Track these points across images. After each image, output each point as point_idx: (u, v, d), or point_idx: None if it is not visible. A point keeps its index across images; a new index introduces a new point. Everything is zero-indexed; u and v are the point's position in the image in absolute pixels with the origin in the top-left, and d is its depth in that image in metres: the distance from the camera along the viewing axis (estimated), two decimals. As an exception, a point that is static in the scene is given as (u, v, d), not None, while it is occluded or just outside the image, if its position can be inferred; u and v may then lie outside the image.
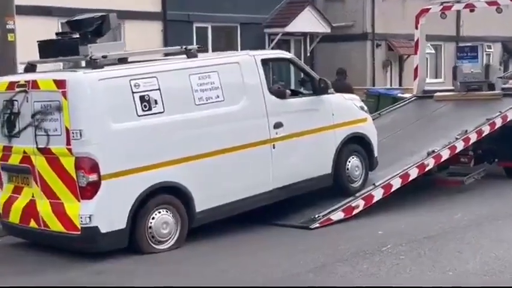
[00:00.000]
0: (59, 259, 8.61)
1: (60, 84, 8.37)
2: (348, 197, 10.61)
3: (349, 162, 10.90)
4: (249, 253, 8.82)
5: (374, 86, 25.33)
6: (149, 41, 20.13)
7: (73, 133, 8.23)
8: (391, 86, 26.16)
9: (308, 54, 25.23)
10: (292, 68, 11.37)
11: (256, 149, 9.72)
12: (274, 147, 9.90)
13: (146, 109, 8.67)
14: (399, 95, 18.23)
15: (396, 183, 11.13)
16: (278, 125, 9.96)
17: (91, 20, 9.08)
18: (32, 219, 8.83)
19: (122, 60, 9.26)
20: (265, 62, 10.39)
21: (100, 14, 9.20)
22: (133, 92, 8.59)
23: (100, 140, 8.31)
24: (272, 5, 24.25)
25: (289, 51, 25.20)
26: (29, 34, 18.47)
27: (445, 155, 11.93)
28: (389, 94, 18.97)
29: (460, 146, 12.11)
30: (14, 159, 9.01)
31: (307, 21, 24.16)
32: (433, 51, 29.38)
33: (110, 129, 8.39)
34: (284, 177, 10.03)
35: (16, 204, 9.06)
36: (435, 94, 14.72)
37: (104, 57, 8.62)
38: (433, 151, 11.77)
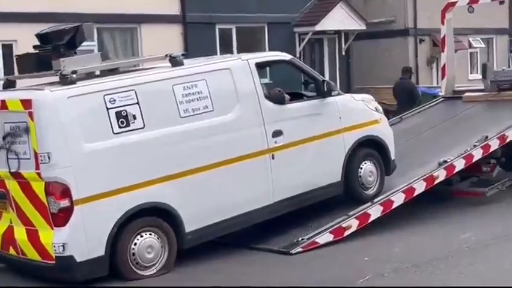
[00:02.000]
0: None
1: (26, 104, 8.16)
2: (341, 216, 10.01)
3: (362, 167, 10.49)
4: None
5: (418, 84, 24.51)
6: (168, 46, 19.91)
7: (41, 156, 8.01)
8: (437, 84, 25.21)
9: (343, 53, 24.82)
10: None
11: (252, 161, 9.37)
12: (273, 158, 9.54)
13: (124, 125, 8.40)
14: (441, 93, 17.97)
15: (398, 199, 10.52)
16: (277, 134, 9.62)
17: (61, 32, 8.88)
18: (11, 247, 8.67)
19: (103, 73, 9.01)
20: (260, 65, 9.99)
21: (72, 25, 8.98)
22: (107, 108, 8.33)
23: (71, 162, 8.05)
24: (302, 3, 23.94)
25: (323, 50, 24.94)
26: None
27: (459, 165, 11.24)
28: (430, 93, 18.44)
29: (477, 154, 11.41)
30: None
31: (339, 19, 23.79)
32: (484, 45, 28.76)
33: (82, 150, 8.13)
34: (286, 189, 9.68)
35: None
36: (464, 95, 14.11)
37: (74, 72, 8.34)
38: (445, 161, 11.14)
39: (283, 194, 9.67)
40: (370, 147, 10.67)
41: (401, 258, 8.96)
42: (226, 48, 21.43)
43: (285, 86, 11.25)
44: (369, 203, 10.28)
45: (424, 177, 10.86)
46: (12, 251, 8.65)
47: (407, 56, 26.54)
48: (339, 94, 10.54)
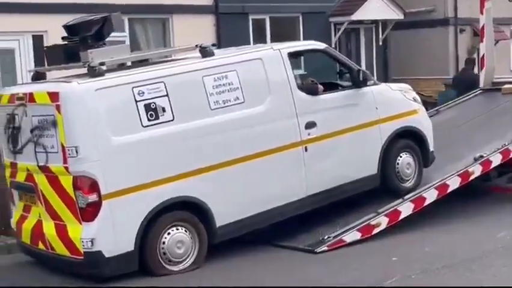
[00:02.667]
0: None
1: (53, 97, 8.14)
2: (370, 214, 9.81)
3: (399, 159, 10.35)
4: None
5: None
6: (201, 37, 19.77)
7: (68, 150, 8.00)
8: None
9: (380, 43, 24.40)
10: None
11: (285, 153, 9.30)
12: (306, 150, 9.46)
13: (153, 118, 8.36)
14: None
15: (431, 196, 10.29)
16: (310, 125, 9.52)
17: (89, 23, 8.87)
18: (40, 241, 8.72)
19: (134, 65, 8.99)
20: (293, 55, 9.88)
21: (100, 15, 8.97)
22: (136, 101, 8.29)
23: (99, 156, 8.04)
24: (338, -8, 23.84)
25: (359, 41, 24.55)
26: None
27: (496, 160, 10.97)
28: None
29: None
30: (20, 177, 8.94)
31: (376, 8, 23.33)
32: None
33: (110, 143, 8.10)
34: (320, 183, 9.60)
35: (26, 224, 8.99)
36: (503, 87, 13.76)
37: (102, 64, 8.31)
38: (481, 156, 10.89)
39: (317, 188, 9.58)
40: (408, 138, 10.51)
41: (431, 258, 8.78)
42: (260, 39, 21.19)
43: (320, 76, 11.14)
44: (400, 200, 10.11)
45: (459, 172, 10.66)
46: (41, 245, 8.69)
47: (447, 46, 26.03)
48: (375, 84, 10.41)
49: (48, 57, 9.27)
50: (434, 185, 10.40)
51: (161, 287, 8.12)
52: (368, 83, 10.17)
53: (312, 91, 9.78)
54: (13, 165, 9.01)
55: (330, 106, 9.81)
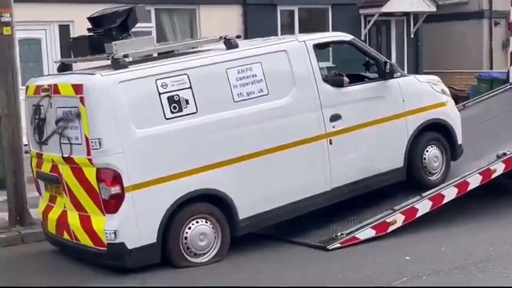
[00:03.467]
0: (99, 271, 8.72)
1: (77, 89, 8.33)
2: (386, 211, 9.78)
3: (426, 152, 10.40)
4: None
5: (492, 69, 24.20)
6: (228, 27, 19.96)
7: (92, 142, 8.18)
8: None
9: (412, 36, 24.41)
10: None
11: (309, 146, 9.40)
12: (331, 143, 9.55)
13: (176, 111, 8.51)
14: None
15: (450, 194, 10.22)
16: (335, 118, 9.61)
17: (114, 15, 9.05)
18: (65, 231, 8.95)
19: (160, 56, 9.16)
20: (319, 47, 9.96)
21: (124, 7, 9.15)
22: (159, 93, 8.44)
23: (122, 148, 8.20)
24: (368, -17, 23.75)
25: (390, 33, 24.57)
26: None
27: None
28: (503, 78, 18.03)
29: None
30: (45, 168, 9.16)
31: (407, 0, 23.36)
32: None
33: (133, 136, 8.27)
34: (345, 175, 9.70)
35: (51, 214, 9.23)
36: None
37: (125, 56, 8.47)
38: (504, 154, 10.76)
39: (342, 180, 9.69)
40: (435, 131, 10.55)
41: (445, 258, 8.73)
42: (288, 31, 21.34)
43: (348, 68, 11.22)
44: (417, 197, 10.08)
45: (480, 170, 10.57)
46: (66, 235, 8.92)
47: (481, 39, 25.98)
48: (402, 76, 10.43)
49: (74, 48, 9.49)
50: (453, 182, 10.35)
51: (154, 287, 8.21)
52: (395, 75, 10.20)
53: (337, 83, 9.86)
54: (39, 156, 9.24)
55: (355, 98, 9.89)
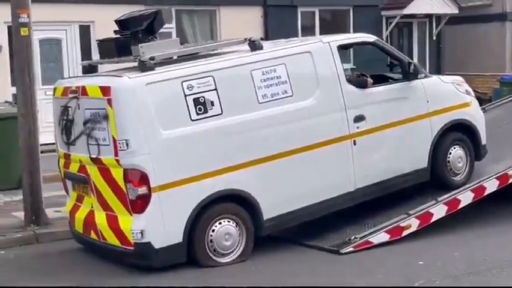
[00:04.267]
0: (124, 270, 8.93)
1: (105, 91, 8.55)
2: (400, 215, 9.83)
3: (450, 153, 10.55)
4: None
5: None
6: (248, 29, 20.19)
7: (119, 143, 8.40)
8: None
9: (434, 38, 24.52)
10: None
11: (333, 147, 9.57)
12: (355, 144, 9.72)
13: (202, 112, 8.71)
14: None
15: (466, 199, 10.21)
16: (359, 119, 9.77)
17: (140, 18, 9.26)
18: (92, 231, 9.18)
19: (181, 58, 9.30)
20: (343, 48, 10.12)
21: (150, 10, 9.38)
22: (185, 95, 8.65)
23: (149, 149, 8.41)
24: (390, -15, 23.81)
25: (412, 35, 24.74)
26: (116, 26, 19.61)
27: None
28: None
29: None
30: (73, 168, 9.40)
31: (430, 2, 23.55)
32: None
33: (160, 137, 8.48)
34: (369, 176, 9.86)
35: (79, 213, 9.47)
36: None
37: (152, 58, 8.67)
38: None
39: (366, 181, 9.85)
40: (460, 131, 10.69)
41: (459, 263, 8.77)
42: (308, 32, 21.49)
43: (369, 69, 11.37)
44: (432, 201, 10.10)
45: (497, 175, 10.56)
46: (93, 234, 9.15)
47: (504, 41, 25.95)
48: (426, 76, 10.56)
49: (100, 50, 9.69)
50: (470, 187, 10.37)
51: (155, 287, 8.37)
52: (419, 76, 10.36)
53: (361, 84, 10.02)
54: (66, 156, 9.49)
55: (379, 99, 10.05)
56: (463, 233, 10.04)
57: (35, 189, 10.94)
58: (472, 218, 10.45)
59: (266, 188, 9.09)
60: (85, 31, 20.06)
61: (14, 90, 14.63)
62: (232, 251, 8.97)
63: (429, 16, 24.59)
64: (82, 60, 20.07)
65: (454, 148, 10.65)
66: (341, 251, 9.26)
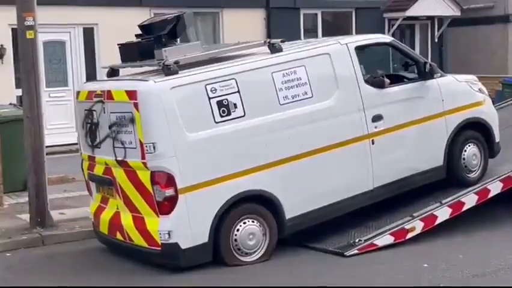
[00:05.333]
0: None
1: (131, 95, 8.68)
2: (404, 217, 9.96)
3: (465, 151, 10.73)
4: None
5: None
6: (251, 31, 20.50)
7: (146, 146, 8.55)
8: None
9: (436, 40, 24.77)
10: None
11: (352, 146, 9.75)
12: (373, 143, 9.89)
13: (225, 114, 8.87)
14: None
15: (470, 201, 10.27)
16: (377, 118, 9.95)
17: (163, 22, 9.42)
18: (117, 232, 9.32)
19: (199, 63, 9.40)
20: (360, 49, 10.24)
21: (173, 15, 9.52)
22: (209, 98, 8.80)
23: (175, 152, 8.57)
24: (393, -13, 23.83)
25: (414, 37, 25.01)
26: (123, 28, 19.84)
27: None
28: None
29: None
30: (98, 170, 9.52)
31: (432, 4, 23.82)
32: None
33: (185, 139, 8.63)
34: (387, 175, 10.02)
35: (104, 215, 9.60)
36: None
37: (176, 62, 8.83)
38: None
39: (384, 180, 10.01)
40: (474, 129, 10.87)
41: (464, 266, 8.79)
42: (311, 34, 21.77)
43: (375, 70, 11.68)
44: (437, 204, 10.15)
45: (501, 177, 10.62)
46: (119, 236, 9.29)
47: (506, 43, 26.17)
48: (441, 76, 10.75)
49: (122, 53, 9.82)
50: (474, 189, 10.42)
51: (153, 287, 8.60)
52: (435, 76, 10.56)
53: (378, 84, 10.21)
54: (91, 159, 9.61)
55: (396, 99, 10.22)
56: (466, 235, 10.11)
57: (40, 191, 10.98)
58: (476, 220, 10.51)
59: (288, 188, 9.25)
60: (88, 33, 20.32)
61: (18, 92, 14.89)
62: (256, 250, 9.14)
63: (431, 18, 24.83)
64: (86, 62, 20.46)
65: (469, 146, 10.83)
66: (345, 253, 9.33)
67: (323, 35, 21.90)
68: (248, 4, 21.65)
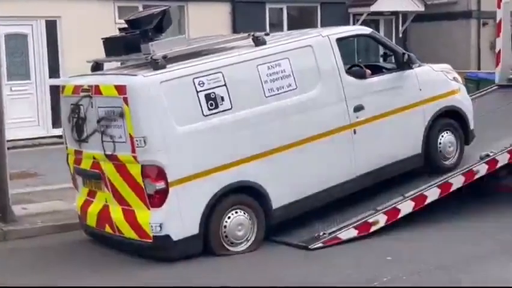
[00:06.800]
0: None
1: (120, 89, 8.75)
2: (368, 211, 10.15)
3: (441, 138, 11.04)
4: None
5: (479, 69, 24.89)
6: (216, 25, 20.56)
7: (136, 140, 8.65)
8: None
9: (400, 35, 25.18)
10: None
11: (335, 136, 9.99)
12: (355, 133, 10.15)
13: (213, 107, 9.03)
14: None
15: (433, 195, 10.42)
16: (358, 108, 10.20)
17: (150, 16, 9.52)
18: (107, 225, 9.37)
19: (185, 56, 9.50)
20: (341, 40, 10.45)
21: (159, 9, 9.66)
22: (197, 91, 8.94)
23: (165, 145, 8.69)
24: (358, -18, 23.92)
25: (378, 32, 24.79)
26: (86, 21, 19.97)
27: (503, 159, 11.13)
28: (491, 79, 17.69)
29: None
30: (85, 164, 9.54)
31: (395, -1, 23.70)
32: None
33: (175, 133, 8.75)
34: (369, 163, 10.29)
35: (91, 208, 9.63)
36: None
37: (164, 57, 8.91)
38: (487, 155, 11.04)
39: (366, 168, 10.29)
40: (449, 117, 11.18)
41: (427, 258, 8.94)
42: (276, 28, 21.84)
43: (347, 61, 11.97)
44: (400, 197, 10.31)
45: (463, 171, 10.84)
46: (108, 229, 9.34)
47: (469, 39, 26.78)
48: (419, 66, 11.05)
49: (106, 48, 9.85)
50: (436, 183, 10.57)
51: (149, 287, 8.61)
52: (413, 66, 10.87)
53: (360, 75, 10.48)
54: (77, 153, 9.64)
55: (376, 89, 10.50)
56: (429, 228, 10.29)
57: (1, 186, 10.90)
58: (438, 214, 10.74)
59: (275, 178, 9.44)
60: (51, 26, 20.21)
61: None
62: (245, 241, 9.32)
63: (395, 13, 25.21)
64: (48, 55, 20.43)
65: (445, 133, 11.17)
66: (309, 246, 9.40)
67: (288, 29, 22.08)
68: (214, -3, 21.76)
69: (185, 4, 21.49)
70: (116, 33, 11.50)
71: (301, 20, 23.26)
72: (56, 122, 19.89)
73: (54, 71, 20.00)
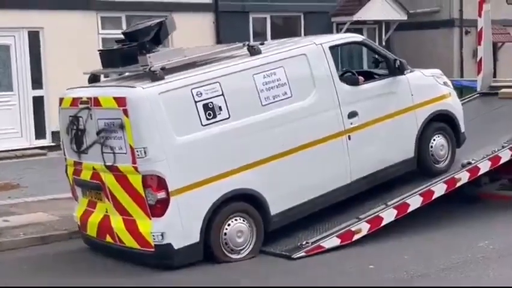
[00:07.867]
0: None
1: (120, 101, 8.90)
2: (351, 220, 10.33)
3: (433, 142, 11.29)
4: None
5: (462, 77, 25.28)
6: (200, 35, 20.76)
7: (137, 151, 8.82)
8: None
9: (383, 44, 25.33)
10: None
11: (330, 143, 10.24)
12: (349, 139, 10.39)
13: (211, 117, 9.22)
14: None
15: (415, 203, 10.51)
16: (352, 115, 10.45)
17: (147, 29, 9.70)
18: (107, 234, 9.50)
19: (182, 67, 9.69)
20: (334, 48, 10.70)
21: (156, 21, 9.85)
22: (195, 102, 9.14)
23: (166, 156, 8.86)
24: (340, -9, 23.95)
25: (361, 42, 26.15)
26: (69, 32, 20.10)
27: (484, 167, 11.27)
28: (473, 86, 17.84)
29: (505, 156, 11.46)
30: (85, 175, 9.68)
31: (379, 8, 24.61)
32: None
33: (174, 143, 8.93)
34: (363, 168, 10.51)
35: (92, 218, 9.77)
36: (500, 91, 14.29)
37: (162, 68, 9.09)
38: (469, 163, 11.20)
39: (360, 173, 10.52)
40: (441, 121, 11.45)
41: (409, 266, 9.04)
42: (260, 38, 21.91)
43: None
44: (382, 206, 10.41)
45: (445, 179, 10.96)
46: (109, 238, 9.48)
47: (451, 47, 27.23)
48: (410, 71, 11.31)
49: (103, 59, 10.02)
50: (418, 191, 10.68)
51: (154, 287, 8.87)
52: (405, 72, 11.13)
53: (353, 82, 10.72)
54: (77, 164, 9.78)
55: (369, 95, 10.74)
56: (412, 236, 10.40)
57: None
58: (421, 222, 10.92)
59: (273, 185, 9.64)
60: (34, 37, 20.21)
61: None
62: (244, 247, 9.53)
63: (378, 22, 25.52)
64: (31, 67, 20.57)
65: (436, 137, 11.43)
66: (292, 256, 9.50)
67: (272, 39, 22.29)
68: (197, 8, 21.83)
69: (169, 14, 21.61)
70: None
71: (285, 29, 23.43)
72: (39, 134, 20.02)
73: (37, 83, 19.96)
